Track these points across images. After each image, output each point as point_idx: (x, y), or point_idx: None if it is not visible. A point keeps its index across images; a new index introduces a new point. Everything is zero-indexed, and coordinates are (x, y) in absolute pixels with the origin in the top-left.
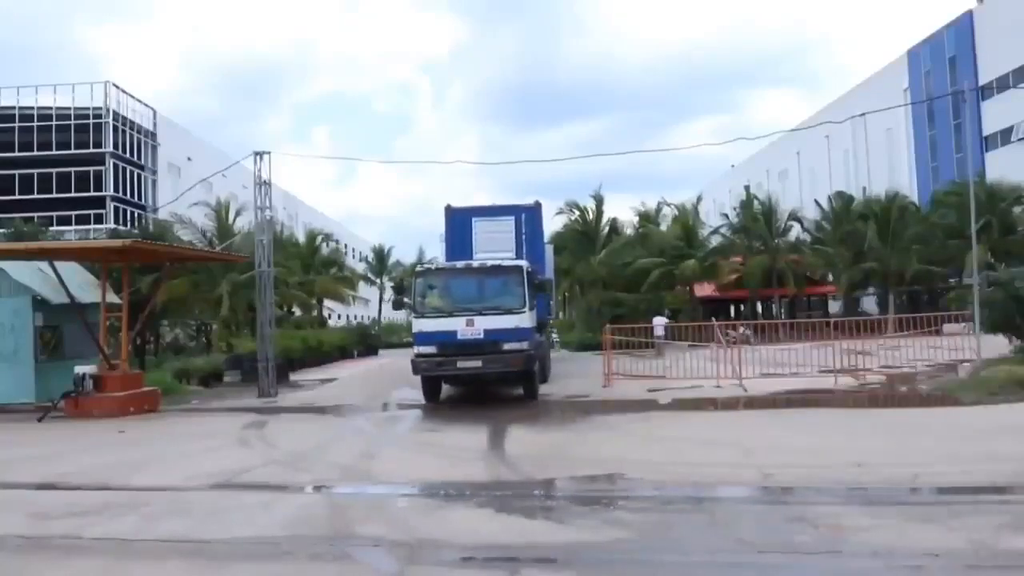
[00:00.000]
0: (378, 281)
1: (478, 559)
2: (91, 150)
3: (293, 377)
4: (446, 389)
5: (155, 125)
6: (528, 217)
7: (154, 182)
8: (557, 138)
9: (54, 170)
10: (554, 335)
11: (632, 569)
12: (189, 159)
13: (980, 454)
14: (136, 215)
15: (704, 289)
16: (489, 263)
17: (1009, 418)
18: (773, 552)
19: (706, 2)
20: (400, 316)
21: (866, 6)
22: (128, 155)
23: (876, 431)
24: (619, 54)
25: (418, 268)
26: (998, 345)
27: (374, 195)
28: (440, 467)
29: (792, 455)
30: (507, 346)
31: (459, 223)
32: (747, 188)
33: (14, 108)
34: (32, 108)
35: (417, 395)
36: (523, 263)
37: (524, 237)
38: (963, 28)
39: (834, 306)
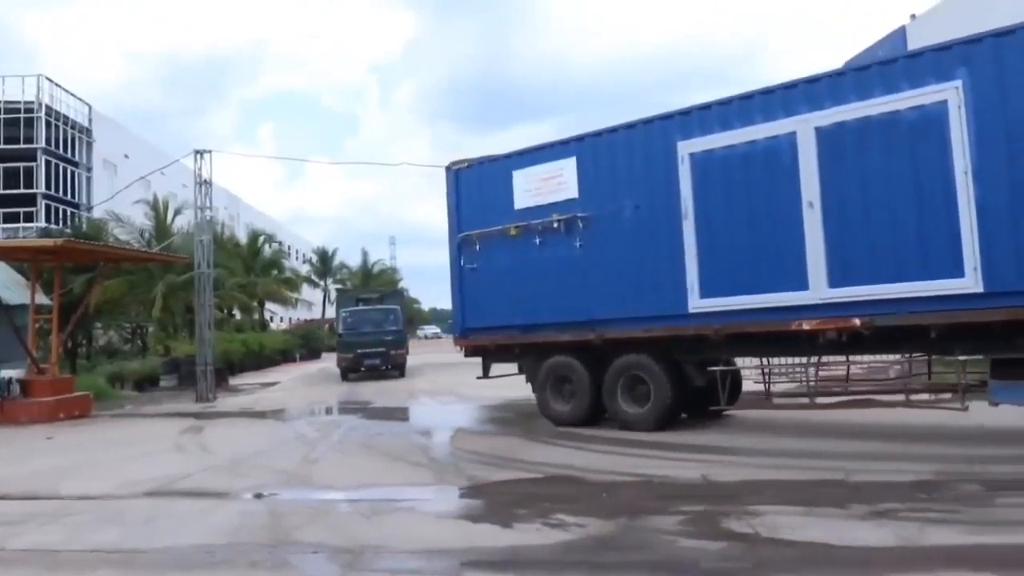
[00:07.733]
0: (321, 283)
1: (420, 564)
2: (21, 146)
3: (233, 381)
4: None
5: (90, 121)
6: None
7: (89, 179)
8: (510, 139)
9: None
10: None
11: (578, 571)
12: (126, 156)
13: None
14: (70, 213)
15: None
16: None
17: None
18: (714, 543)
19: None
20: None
21: (805, 16)
22: (61, 151)
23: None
24: (574, 55)
25: None
26: None
27: (321, 196)
28: (384, 471)
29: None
30: None
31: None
32: None
33: None
34: None
35: (361, 397)
36: None
37: None
38: (896, 44)
39: None
